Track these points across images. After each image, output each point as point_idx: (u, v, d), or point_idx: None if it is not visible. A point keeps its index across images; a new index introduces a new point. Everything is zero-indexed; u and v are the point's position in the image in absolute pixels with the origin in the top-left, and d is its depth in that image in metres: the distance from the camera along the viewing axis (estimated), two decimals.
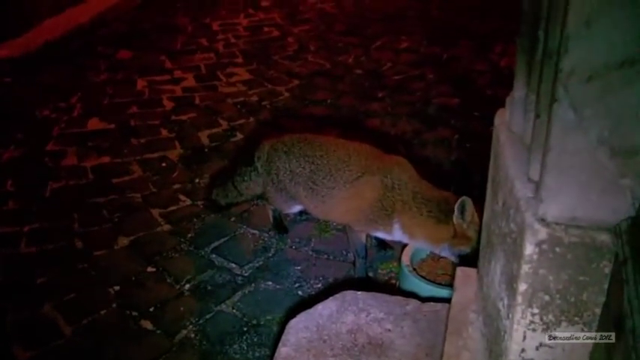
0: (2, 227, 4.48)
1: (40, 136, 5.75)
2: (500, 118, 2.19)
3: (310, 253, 4.22)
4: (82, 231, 4.43)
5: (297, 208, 4.20)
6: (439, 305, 2.95)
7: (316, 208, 3.93)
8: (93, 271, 4.05)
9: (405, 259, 3.71)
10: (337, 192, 3.73)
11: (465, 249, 3.43)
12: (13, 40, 7.61)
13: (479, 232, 3.07)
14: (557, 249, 1.67)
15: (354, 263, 4.00)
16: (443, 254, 3.64)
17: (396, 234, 3.67)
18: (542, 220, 1.68)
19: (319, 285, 3.93)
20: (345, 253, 4.17)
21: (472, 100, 6.29)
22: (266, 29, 8.66)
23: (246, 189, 4.31)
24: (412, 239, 3.65)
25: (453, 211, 3.34)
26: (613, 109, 1.50)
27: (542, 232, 1.67)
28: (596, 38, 1.45)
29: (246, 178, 4.25)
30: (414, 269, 3.68)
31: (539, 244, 1.68)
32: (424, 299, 3.08)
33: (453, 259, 3.58)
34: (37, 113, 6.19)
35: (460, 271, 2.80)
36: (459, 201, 3.30)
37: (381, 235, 3.83)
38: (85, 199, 4.79)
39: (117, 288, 3.89)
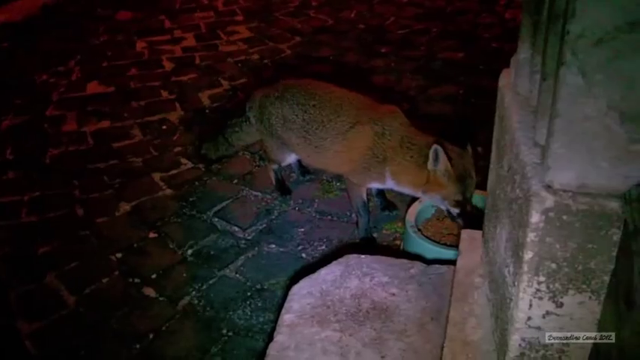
0: (2, 197, 4.45)
1: (40, 101, 5.70)
2: (505, 78, 2.12)
3: (314, 214, 4.18)
4: (83, 198, 4.40)
5: (292, 157, 4.16)
6: (444, 267, 2.91)
7: (309, 157, 3.96)
8: (95, 238, 4.03)
9: (410, 219, 3.67)
10: (330, 144, 3.73)
11: (436, 193, 3.44)
12: (11, 4, 7.50)
13: (456, 181, 3.30)
14: (565, 217, 1.61)
15: (356, 223, 3.96)
16: (429, 201, 3.65)
17: (388, 182, 3.65)
18: (549, 188, 1.62)
19: (323, 247, 3.90)
20: (349, 214, 4.13)
21: (477, 54, 6.22)
22: None
23: (237, 140, 4.34)
24: (398, 185, 3.64)
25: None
26: (624, 73, 1.43)
27: (549, 200, 1.61)
28: None
29: (237, 129, 4.27)
30: (419, 229, 3.64)
31: (545, 211, 1.62)
32: (429, 261, 3.04)
33: (442, 207, 3.57)
34: (36, 78, 6.12)
35: (465, 233, 2.75)
36: (432, 149, 3.29)
37: (376, 184, 3.79)
38: (85, 165, 4.75)
39: (119, 255, 3.87)
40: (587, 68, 1.45)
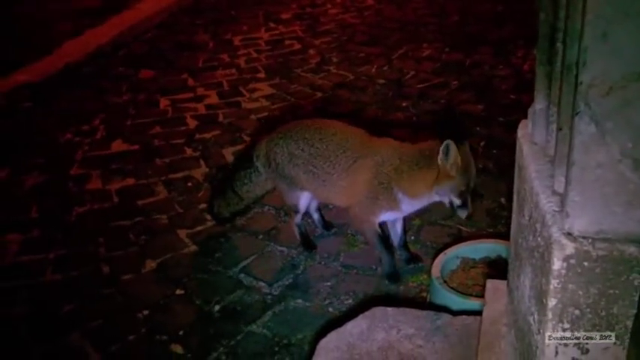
0: (27, 255, 4.49)
1: (63, 160, 5.77)
2: (523, 129, 2.15)
3: (339, 268, 4.19)
4: (108, 256, 4.43)
5: (305, 198, 4.18)
6: (470, 318, 2.91)
7: (316, 190, 4.02)
8: (120, 296, 4.05)
9: (435, 271, 3.67)
10: (336, 179, 3.83)
11: (447, 187, 3.56)
12: (32, 65, 7.64)
13: (463, 172, 3.48)
14: (586, 263, 1.63)
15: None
16: (439, 199, 3.70)
17: (402, 205, 3.75)
18: (569, 235, 1.64)
19: (349, 300, 3.90)
20: (374, 267, 4.13)
21: (496, 106, 6.24)
22: (287, 42, 8.64)
23: (247, 192, 4.35)
24: (414, 198, 3.73)
25: (436, 153, 3.48)
26: (634, 121, 1.47)
27: (570, 247, 1.63)
28: (614, 50, 1.42)
29: (246, 181, 4.29)
30: (445, 281, 3.64)
31: (566, 259, 1.64)
32: (455, 312, 3.04)
33: (446, 200, 3.66)
34: (60, 137, 6.20)
35: (490, 283, 2.76)
36: (444, 144, 3.41)
37: (390, 214, 3.88)
38: (110, 223, 4.79)
39: (145, 313, 3.88)
40: (599, 117, 1.48)
